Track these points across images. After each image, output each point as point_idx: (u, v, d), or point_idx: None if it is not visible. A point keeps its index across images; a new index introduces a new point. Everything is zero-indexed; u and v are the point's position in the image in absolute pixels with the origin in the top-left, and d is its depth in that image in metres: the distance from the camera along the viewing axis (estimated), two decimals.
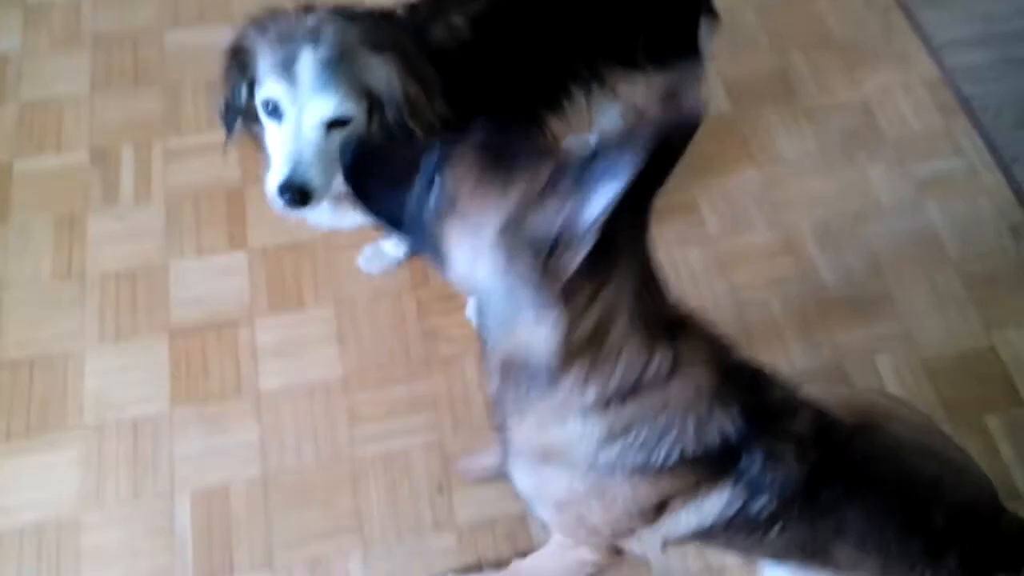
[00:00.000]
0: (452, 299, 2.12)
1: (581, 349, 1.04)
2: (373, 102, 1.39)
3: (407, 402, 1.99)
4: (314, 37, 1.34)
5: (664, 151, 0.92)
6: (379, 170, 1.14)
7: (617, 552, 1.40)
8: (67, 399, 1.95)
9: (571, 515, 1.28)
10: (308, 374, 2.01)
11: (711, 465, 1.17)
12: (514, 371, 1.09)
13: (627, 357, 1.05)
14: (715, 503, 1.22)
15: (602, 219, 0.91)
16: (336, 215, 1.62)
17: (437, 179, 1.03)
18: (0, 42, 2.53)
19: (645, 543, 1.32)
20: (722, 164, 2.38)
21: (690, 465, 1.15)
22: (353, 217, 1.64)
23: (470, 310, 2.08)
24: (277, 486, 1.87)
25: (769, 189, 2.35)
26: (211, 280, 2.14)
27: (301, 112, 1.34)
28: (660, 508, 1.23)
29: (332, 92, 1.33)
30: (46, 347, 2.02)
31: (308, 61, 1.32)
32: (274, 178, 1.36)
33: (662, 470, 1.15)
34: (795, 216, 2.30)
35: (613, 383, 1.07)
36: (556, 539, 1.49)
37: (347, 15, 1.44)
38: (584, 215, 0.92)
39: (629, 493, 1.19)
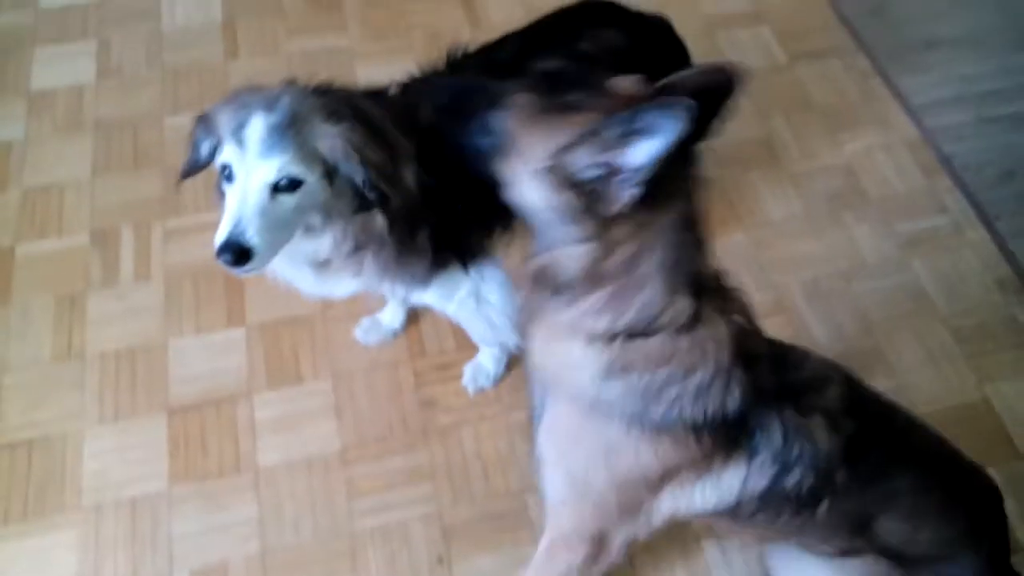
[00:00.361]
0: (449, 368, 2.14)
1: (604, 278, 1.11)
2: (330, 168, 1.42)
3: (405, 473, 1.98)
4: (268, 105, 1.39)
5: (707, 105, 1.03)
6: (463, 109, 1.22)
7: (601, 550, 1.39)
8: (65, 481, 1.95)
9: (579, 486, 1.31)
10: (306, 448, 2.02)
11: (719, 437, 1.20)
12: (542, 281, 1.16)
13: (645, 298, 1.12)
14: (733, 478, 1.25)
15: (644, 175, 1.00)
16: (320, 283, 1.64)
17: (497, 117, 1.13)
18: (5, 130, 2.60)
19: (654, 520, 1.33)
20: (710, 228, 2.41)
21: (694, 432, 1.19)
22: (340, 286, 1.66)
23: (467, 378, 2.10)
24: (276, 562, 1.86)
25: (758, 251, 2.39)
26: (210, 357, 2.16)
27: (248, 175, 1.37)
28: (666, 478, 1.25)
29: (276, 156, 1.36)
30: (45, 429, 2.03)
31: (257, 126, 1.36)
32: (217, 237, 1.38)
33: (662, 429, 1.18)
34: (784, 277, 2.33)
35: (624, 319, 1.13)
36: (543, 545, 1.47)
37: (320, 90, 1.49)
38: (625, 165, 1.01)
39: (632, 452, 1.22)
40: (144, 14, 2.92)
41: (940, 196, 2.52)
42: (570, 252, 1.10)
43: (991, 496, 1.40)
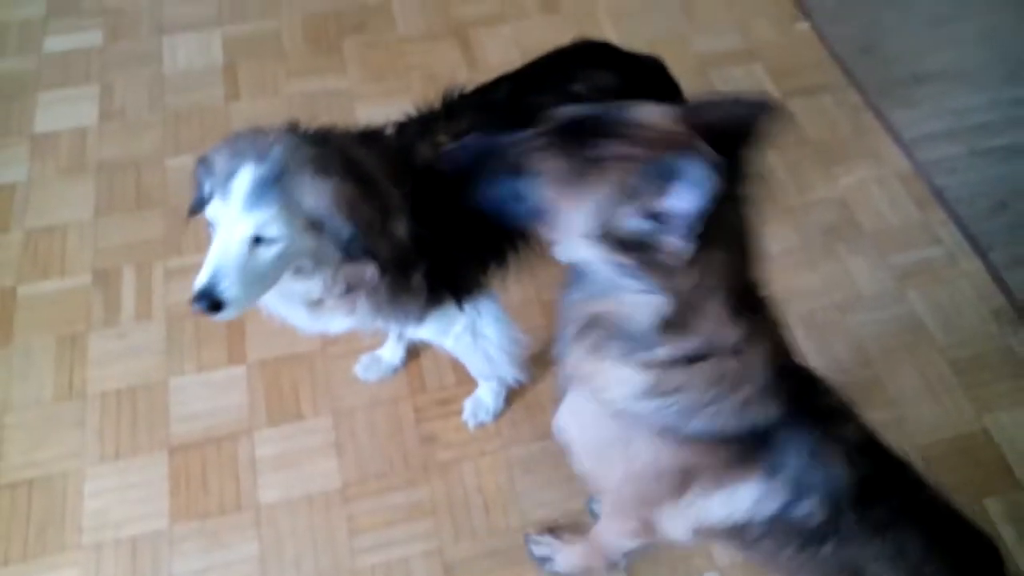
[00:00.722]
0: (449, 403, 2.14)
1: (678, 319, 1.08)
2: (316, 221, 1.41)
3: (406, 510, 1.98)
4: (260, 156, 1.38)
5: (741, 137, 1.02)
6: (482, 175, 1.18)
7: (649, 533, 1.40)
8: (66, 520, 1.95)
9: (598, 470, 1.32)
10: (307, 486, 2.02)
11: (740, 449, 1.19)
12: (599, 326, 1.14)
13: (708, 329, 1.09)
14: (747, 494, 1.23)
15: (693, 228, 0.96)
16: (314, 320, 1.65)
17: (528, 185, 1.10)
18: (8, 173, 2.64)
19: (675, 524, 1.32)
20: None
21: (719, 443, 1.18)
22: (335, 323, 1.67)
23: (467, 413, 2.11)
24: None
25: None
26: (210, 395, 2.17)
27: (230, 226, 1.38)
28: (684, 483, 1.24)
29: (258, 211, 1.36)
30: (46, 468, 2.03)
31: (244, 178, 1.36)
32: (195, 284, 1.39)
33: (690, 439, 1.17)
34: (782, 309, 2.34)
35: (685, 348, 1.11)
36: (604, 511, 1.49)
37: (318, 136, 1.49)
38: (671, 213, 0.97)
39: (651, 452, 1.21)
40: (146, 58, 2.97)
41: (934, 228, 2.55)
42: (637, 302, 1.08)
43: (993, 561, 1.36)
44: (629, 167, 1.01)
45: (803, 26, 3.12)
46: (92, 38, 3.02)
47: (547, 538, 1.89)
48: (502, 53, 2.94)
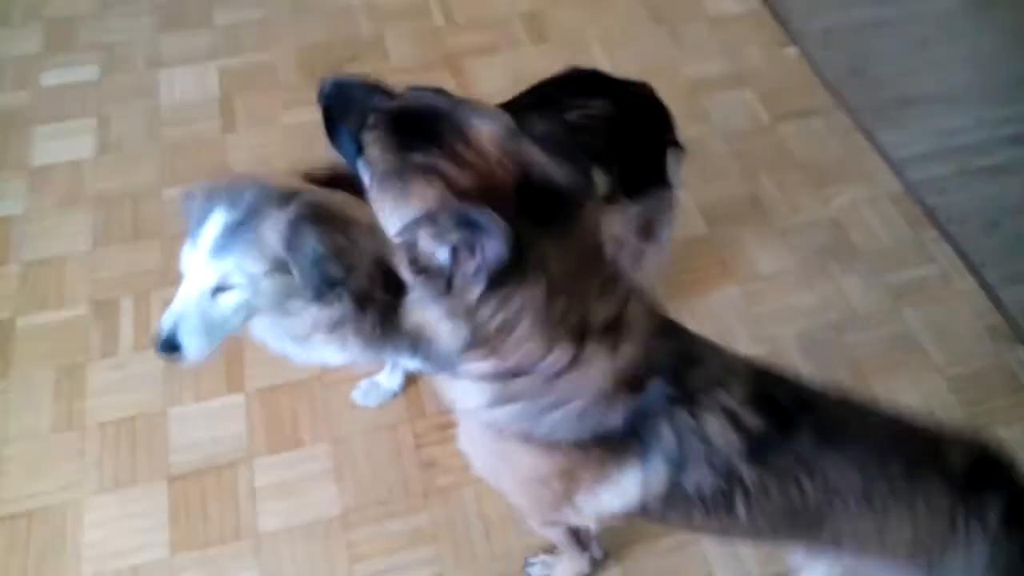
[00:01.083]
0: (449, 428, 2.13)
1: (480, 345, 1.07)
2: (281, 266, 1.43)
3: (407, 536, 1.97)
4: (229, 204, 1.42)
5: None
6: (337, 122, 1.16)
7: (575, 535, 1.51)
8: (66, 551, 1.94)
9: (491, 475, 1.38)
10: (307, 513, 2.01)
11: (607, 448, 1.19)
12: (422, 340, 1.13)
13: (522, 353, 1.08)
14: (631, 482, 1.22)
15: (486, 273, 0.96)
16: (306, 353, 1.66)
17: (359, 167, 1.10)
18: (6, 205, 2.65)
19: (579, 518, 1.36)
20: (704, 283, 2.46)
21: (580, 446, 1.18)
22: (329, 356, 1.67)
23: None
24: None
25: (751, 305, 2.42)
26: (210, 424, 2.16)
27: (194, 274, 1.42)
28: (570, 486, 1.26)
29: (221, 261, 1.39)
30: (46, 500, 2.02)
31: (211, 228, 1.40)
32: (160, 329, 1.43)
33: (551, 443, 1.18)
34: (778, 329, 2.36)
35: (504, 367, 1.10)
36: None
37: (288, 194, 1.47)
38: (464, 256, 0.97)
39: (527, 461, 1.24)
40: (142, 91, 3.00)
41: (927, 247, 2.57)
42: (442, 325, 1.06)
43: (981, 455, 1.28)
44: (439, 196, 0.99)
45: (791, 51, 3.17)
46: (88, 72, 3.05)
47: (542, 556, 1.89)
48: (494, 82, 2.98)
